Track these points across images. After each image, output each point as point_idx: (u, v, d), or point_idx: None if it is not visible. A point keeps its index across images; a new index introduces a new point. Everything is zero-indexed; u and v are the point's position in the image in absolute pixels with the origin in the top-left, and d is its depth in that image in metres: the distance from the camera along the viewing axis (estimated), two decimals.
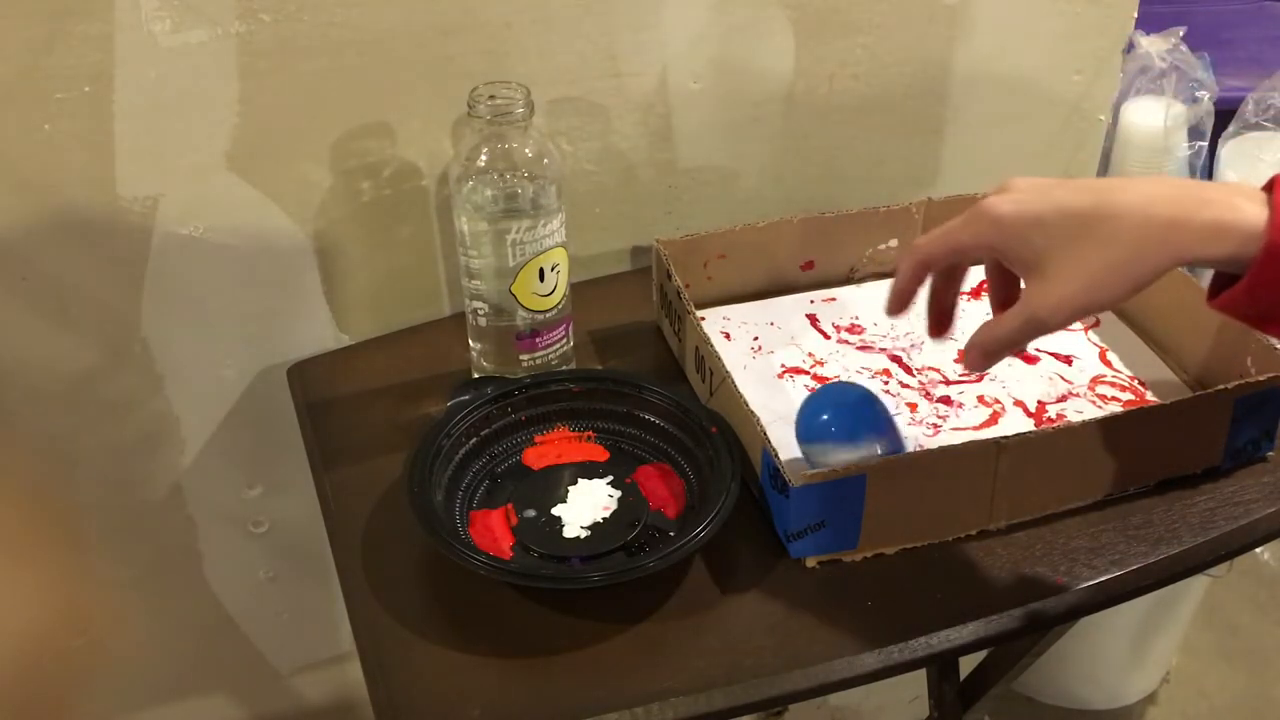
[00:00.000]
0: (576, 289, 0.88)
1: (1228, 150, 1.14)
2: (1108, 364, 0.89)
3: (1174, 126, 1.11)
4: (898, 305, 0.67)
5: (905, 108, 1.05)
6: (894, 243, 0.99)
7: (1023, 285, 0.62)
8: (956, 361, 0.90)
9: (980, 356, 0.64)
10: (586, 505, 0.76)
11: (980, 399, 0.86)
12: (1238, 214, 0.55)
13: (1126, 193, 0.57)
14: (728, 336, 0.93)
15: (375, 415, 0.87)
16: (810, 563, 0.73)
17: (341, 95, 0.87)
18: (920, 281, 0.66)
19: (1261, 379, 0.76)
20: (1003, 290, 0.67)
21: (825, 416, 0.76)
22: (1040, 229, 0.58)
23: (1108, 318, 0.94)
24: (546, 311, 0.84)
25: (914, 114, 1.06)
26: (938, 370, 0.89)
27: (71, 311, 0.87)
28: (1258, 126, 1.13)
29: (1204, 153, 1.15)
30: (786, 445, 0.82)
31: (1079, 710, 1.60)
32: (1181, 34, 1.11)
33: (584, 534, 0.74)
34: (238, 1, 0.80)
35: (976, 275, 1.01)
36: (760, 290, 0.97)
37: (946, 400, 0.86)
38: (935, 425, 0.83)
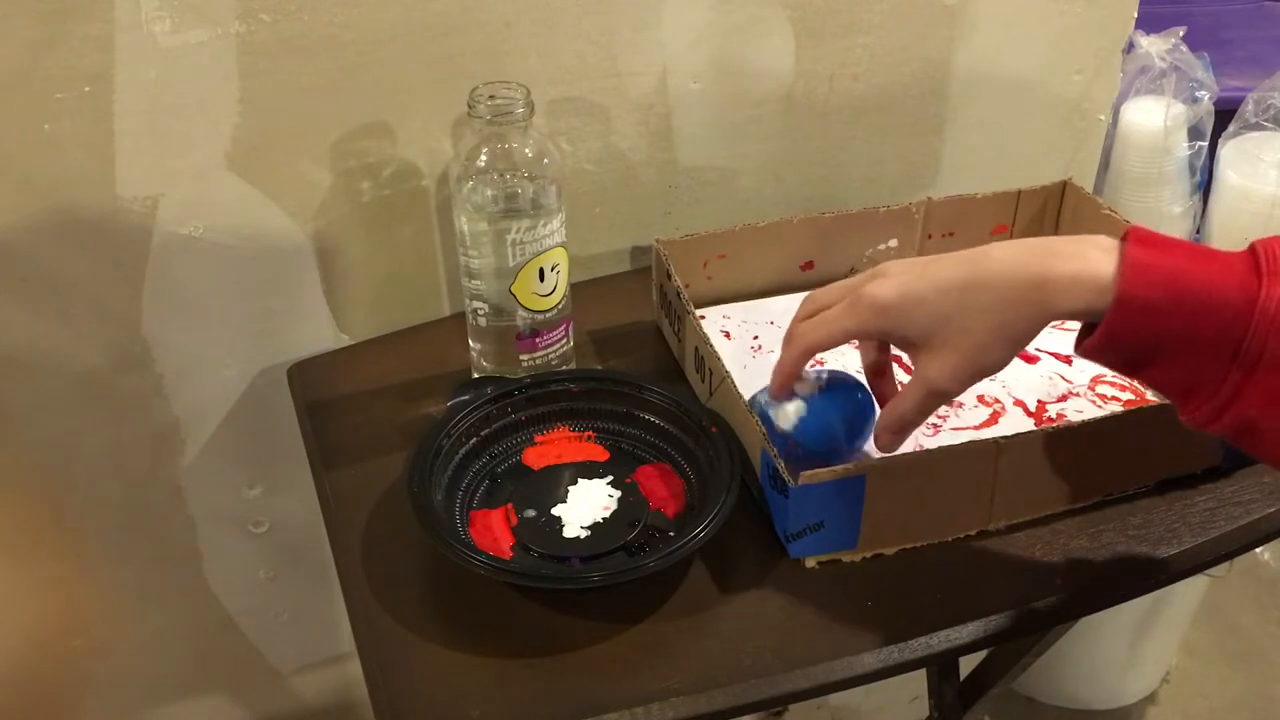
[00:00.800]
0: (576, 289, 0.88)
1: (1228, 150, 1.13)
2: None
3: (1174, 126, 1.11)
4: (779, 389, 0.72)
5: (905, 108, 1.05)
6: (894, 243, 0.99)
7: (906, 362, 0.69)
8: None
9: (891, 437, 0.69)
10: (586, 505, 0.76)
11: (980, 399, 0.86)
12: (1090, 265, 0.58)
13: (992, 260, 0.61)
14: (728, 336, 0.93)
15: (375, 415, 0.87)
16: (810, 563, 0.73)
17: (341, 95, 0.87)
18: (802, 366, 0.71)
19: None
20: (875, 359, 0.72)
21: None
22: (922, 308, 0.63)
23: None
24: (546, 311, 0.84)
25: (914, 114, 1.06)
26: None
27: (71, 311, 0.87)
28: (1258, 126, 1.13)
29: (1204, 153, 1.15)
30: None
31: (1079, 710, 1.60)
32: (1181, 34, 1.11)
33: (584, 534, 0.74)
34: (238, 1, 0.80)
35: None
36: (760, 290, 0.97)
37: None
38: (935, 425, 0.83)
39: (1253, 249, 0.57)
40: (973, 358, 0.62)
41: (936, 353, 0.63)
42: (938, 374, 0.64)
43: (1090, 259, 0.58)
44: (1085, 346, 0.60)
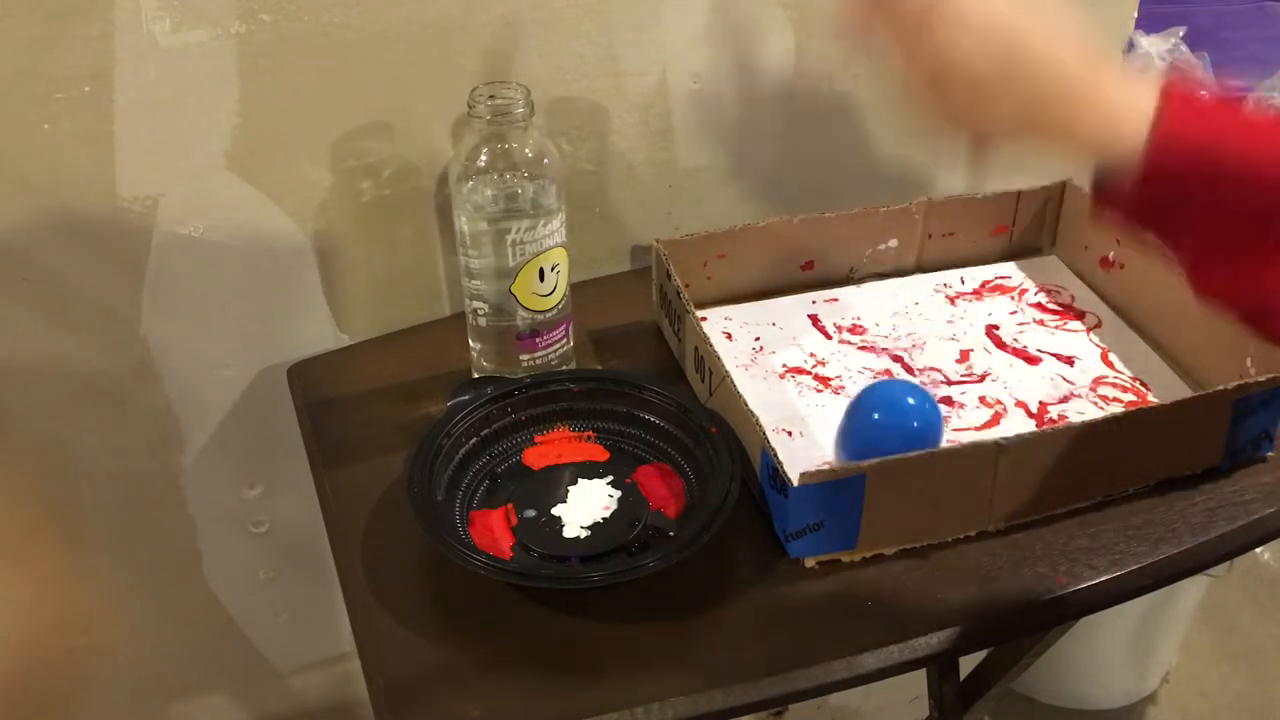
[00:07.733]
0: (576, 289, 0.88)
1: None
2: (1109, 365, 0.89)
3: None
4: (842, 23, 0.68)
5: (905, 108, 1.05)
6: (894, 243, 0.99)
7: None
8: (959, 362, 0.90)
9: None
10: (586, 505, 0.76)
11: (982, 399, 0.86)
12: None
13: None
14: (729, 337, 0.93)
15: (375, 415, 0.87)
16: (810, 563, 0.73)
17: (341, 95, 0.87)
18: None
19: (1261, 379, 0.76)
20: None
21: (876, 416, 0.76)
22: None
23: (1109, 319, 0.94)
24: (546, 311, 0.84)
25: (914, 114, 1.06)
26: (939, 370, 0.89)
27: (71, 311, 0.87)
28: None
29: None
30: (785, 445, 0.82)
31: (1079, 710, 1.60)
32: (1181, 34, 1.11)
33: (584, 534, 0.74)
34: (238, 1, 0.80)
35: (979, 277, 1.01)
36: (760, 290, 0.97)
37: (948, 401, 0.86)
38: None
39: None
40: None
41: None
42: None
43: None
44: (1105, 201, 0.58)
